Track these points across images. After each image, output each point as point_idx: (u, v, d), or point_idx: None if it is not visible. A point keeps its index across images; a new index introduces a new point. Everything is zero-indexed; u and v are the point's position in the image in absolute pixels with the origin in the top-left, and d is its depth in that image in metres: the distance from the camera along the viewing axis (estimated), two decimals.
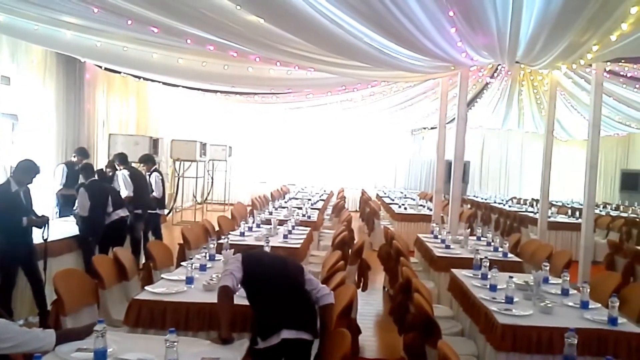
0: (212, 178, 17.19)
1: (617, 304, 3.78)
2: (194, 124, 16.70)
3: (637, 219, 11.84)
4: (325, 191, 15.96)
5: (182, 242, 6.36)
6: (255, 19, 5.44)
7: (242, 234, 6.83)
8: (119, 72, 10.38)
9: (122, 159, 7.97)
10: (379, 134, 18.99)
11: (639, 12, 4.57)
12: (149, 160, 8.45)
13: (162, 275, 4.54)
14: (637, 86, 9.42)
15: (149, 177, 8.35)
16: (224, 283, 3.32)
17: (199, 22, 5.68)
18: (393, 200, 14.10)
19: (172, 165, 14.14)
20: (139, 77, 10.88)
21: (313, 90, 11.18)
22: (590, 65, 7.56)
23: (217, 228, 7.59)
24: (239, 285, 3.37)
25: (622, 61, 7.66)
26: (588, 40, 5.56)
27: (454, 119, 8.76)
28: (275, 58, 7.55)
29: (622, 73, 8.84)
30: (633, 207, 14.52)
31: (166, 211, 10.87)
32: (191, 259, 4.77)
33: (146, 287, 4.13)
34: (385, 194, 16.23)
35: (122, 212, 6.99)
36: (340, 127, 18.38)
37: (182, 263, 5.06)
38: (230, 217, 8.87)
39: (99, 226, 6.54)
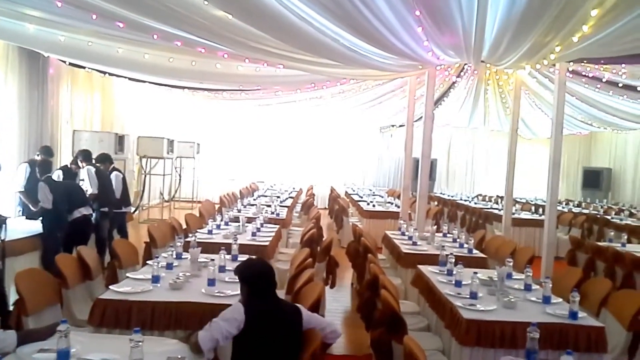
0: (179, 175, 17.01)
1: (578, 298, 3.89)
2: (161, 121, 16.49)
3: (598, 216, 12.17)
4: (294, 188, 15.97)
5: (148, 240, 6.28)
6: (223, 15, 5.40)
7: (210, 232, 6.78)
8: (84, 67, 10.17)
9: (85, 155, 7.79)
10: (348, 132, 19.07)
11: (599, 15, 4.70)
12: (106, 159, 8.20)
13: (127, 274, 4.47)
14: (599, 86, 9.67)
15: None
16: (203, 343, 2.94)
17: (165, 17, 5.61)
18: (362, 197, 14.18)
19: (138, 162, 13.93)
20: (104, 73, 10.67)
21: (282, 88, 11.16)
22: (554, 65, 7.74)
23: (184, 226, 7.51)
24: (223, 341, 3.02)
25: (584, 61, 7.85)
26: (551, 41, 5.69)
27: (421, 117, 8.86)
28: (243, 55, 7.51)
29: (584, 73, 9.07)
30: (594, 204, 14.93)
31: (132, 209, 10.70)
32: (157, 257, 4.71)
33: (111, 287, 4.06)
34: (354, 191, 16.33)
35: (85, 210, 6.82)
36: (310, 124, 18.41)
37: (148, 262, 5.00)
38: (198, 214, 8.80)
39: (64, 220, 6.39)
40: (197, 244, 5.19)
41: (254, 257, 4.27)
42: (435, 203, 14.91)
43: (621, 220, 11.39)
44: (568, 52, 6.16)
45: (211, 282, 4.18)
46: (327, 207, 15.82)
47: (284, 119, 17.91)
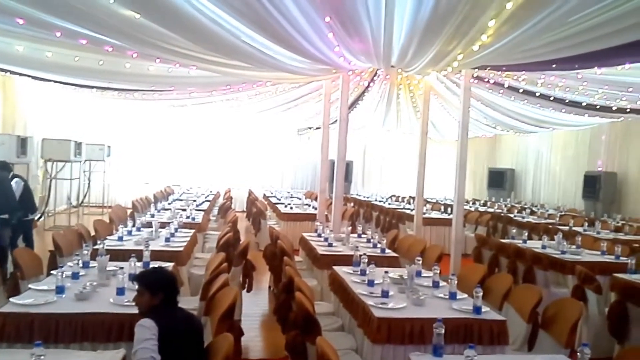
0: (88, 179, 16.26)
1: (481, 294, 4.08)
2: (68, 122, 15.68)
3: (502, 214, 12.90)
4: (211, 192, 15.71)
5: (53, 248, 5.97)
6: (131, 14, 5.23)
7: (120, 239, 6.53)
8: None
9: None
10: (266, 134, 19.04)
11: (497, 25, 5.00)
12: (4, 167, 7.74)
13: (30, 285, 4.24)
14: (501, 91, 10.26)
15: None
16: None
17: (68, 14, 5.36)
18: (280, 200, 14.21)
19: (43, 166, 13.19)
20: (5, 71, 10.01)
21: (196, 89, 10.95)
22: (460, 71, 8.12)
23: (93, 233, 7.21)
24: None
25: (488, 68, 8.31)
26: (454, 49, 5.98)
27: (337, 120, 9.00)
28: (153, 55, 7.30)
29: (487, 79, 9.59)
30: (499, 203, 15.80)
31: (37, 215, 10.12)
32: (62, 266, 4.50)
33: (11, 299, 3.83)
34: (272, 193, 16.32)
35: None
36: (227, 126, 18.19)
37: (52, 272, 4.75)
38: (108, 220, 8.47)
39: None
40: (105, 252, 5.00)
41: (157, 266, 4.18)
42: (352, 204, 15.19)
43: (523, 218, 12.14)
44: (470, 60, 6.50)
45: (120, 291, 4.03)
46: (245, 210, 15.70)
47: (200, 120, 17.59)
